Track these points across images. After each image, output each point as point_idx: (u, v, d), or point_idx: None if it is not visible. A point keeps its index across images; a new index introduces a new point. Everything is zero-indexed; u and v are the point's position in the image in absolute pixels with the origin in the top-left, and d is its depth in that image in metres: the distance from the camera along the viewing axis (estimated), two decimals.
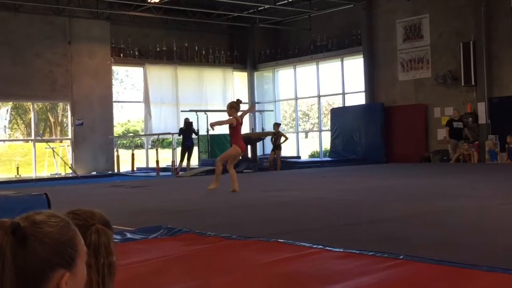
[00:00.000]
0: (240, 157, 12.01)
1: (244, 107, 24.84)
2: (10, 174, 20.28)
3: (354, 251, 4.14)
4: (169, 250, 4.57)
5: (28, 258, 1.24)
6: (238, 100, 10.71)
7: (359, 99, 21.72)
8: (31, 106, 20.69)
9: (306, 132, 26.96)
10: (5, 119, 23.81)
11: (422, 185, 10.78)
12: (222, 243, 4.73)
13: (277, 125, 19.31)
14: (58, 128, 23.68)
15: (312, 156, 24.25)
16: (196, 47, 23.21)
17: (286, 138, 19.01)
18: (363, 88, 21.22)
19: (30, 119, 21.28)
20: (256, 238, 4.80)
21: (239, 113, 10.61)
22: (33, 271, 1.25)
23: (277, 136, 18.75)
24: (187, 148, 18.45)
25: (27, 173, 20.22)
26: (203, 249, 4.57)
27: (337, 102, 23.57)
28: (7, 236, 1.23)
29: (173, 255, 4.37)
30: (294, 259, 4.01)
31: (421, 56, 19.53)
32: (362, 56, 21.06)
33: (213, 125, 10.57)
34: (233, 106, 10.38)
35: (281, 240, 4.64)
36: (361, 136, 20.61)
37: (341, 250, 4.18)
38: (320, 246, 4.33)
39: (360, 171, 15.65)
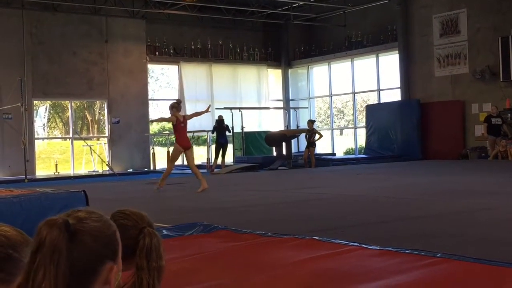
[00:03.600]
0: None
1: (274, 104, 24.81)
2: (49, 171, 20.64)
3: (391, 249, 4.10)
4: (205, 247, 4.60)
5: (81, 253, 1.29)
6: (178, 100, 11.45)
7: (395, 96, 21.51)
8: (69, 104, 21.02)
9: (341, 129, 26.81)
10: (44, 117, 24.24)
11: (460, 182, 10.63)
12: (258, 240, 4.74)
13: (311, 122, 19.26)
14: (95, 126, 24.01)
15: (347, 153, 24.12)
16: (231, 45, 23.28)
17: (321, 136, 18.95)
18: (398, 85, 21.00)
19: (68, 117, 21.62)
20: (292, 235, 4.79)
21: (190, 113, 11.76)
22: (86, 265, 1.30)
23: (311, 133, 18.70)
24: (221, 146, 18.53)
25: (66, 170, 20.56)
26: (239, 246, 4.59)
27: (372, 99, 23.38)
28: (62, 233, 1.27)
29: (209, 252, 4.39)
30: (330, 256, 4.00)
31: (458, 52, 19.23)
32: (397, 52, 20.84)
33: (153, 121, 11.31)
34: (174, 106, 10.99)
35: (317, 238, 4.63)
36: (397, 132, 20.40)
37: (377, 248, 4.15)
38: (356, 244, 4.31)
39: (396, 168, 15.50)
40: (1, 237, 1.51)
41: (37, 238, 1.28)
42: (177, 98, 22.43)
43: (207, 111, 12.08)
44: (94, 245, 1.30)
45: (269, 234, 4.93)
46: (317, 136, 18.74)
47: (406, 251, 3.98)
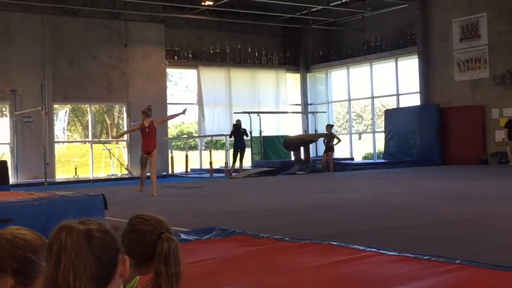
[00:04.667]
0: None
1: (292, 108, 24.76)
2: (69, 175, 20.80)
3: (409, 255, 4.07)
4: (222, 251, 4.60)
5: (101, 249, 1.36)
6: (148, 106, 11.82)
7: (414, 100, 21.38)
8: (89, 108, 21.17)
9: (360, 134, 26.72)
10: (64, 121, 24.45)
11: (479, 188, 10.53)
12: (275, 245, 4.73)
13: (329, 126, 19.20)
14: (114, 130, 24.16)
15: (365, 158, 24.02)
16: (249, 49, 23.31)
17: (339, 140, 18.87)
18: (418, 89, 20.87)
19: (87, 121, 21.78)
20: (309, 240, 4.78)
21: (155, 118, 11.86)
22: (107, 260, 1.37)
23: (329, 137, 18.64)
24: (238, 150, 18.53)
25: (85, 173, 20.69)
26: (256, 250, 4.58)
27: (391, 103, 23.27)
28: (81, 237, 1.33)
29: (226, 256, 4.39)
30: (347, 262, 3.98)
31: (478, 56, 19.08)
32: (417, 56, 20.73)
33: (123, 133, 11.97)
34: (143, 112, 11.49)
35: (335, 243, 4.61)
36: (416, 137, 20.28)
37: (396, 254, 4.12)
38: (374, 249, 4.28)
39: (415, 173, 15.40)
40: (20, 240, 1.53)
41: (57, 242, 1.31)
42: (196, 102, 22.58)
43: (182, 113, 12.26)
44: (108, 240, 1.38)
45: (287, 239, 4.92)
46: (335, 140, 18.67)
47: (424, 257, 3.94)
